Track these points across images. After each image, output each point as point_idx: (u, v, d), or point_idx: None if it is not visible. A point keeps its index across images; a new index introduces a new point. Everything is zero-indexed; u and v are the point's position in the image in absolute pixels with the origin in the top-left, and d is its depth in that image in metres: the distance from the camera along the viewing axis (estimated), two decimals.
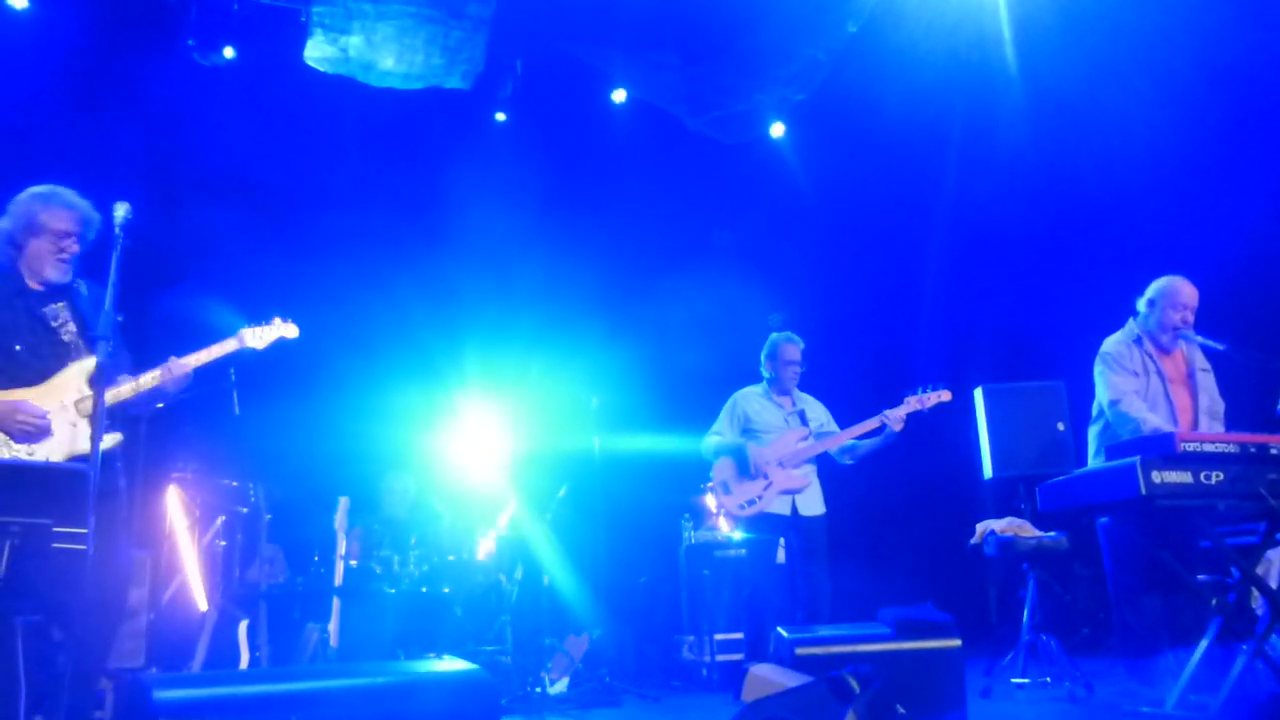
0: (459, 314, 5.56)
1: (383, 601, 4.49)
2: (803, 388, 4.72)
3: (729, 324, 5.47)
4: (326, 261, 5.13)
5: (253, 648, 4.32)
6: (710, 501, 5.19)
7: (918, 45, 5.21)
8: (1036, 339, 5.60)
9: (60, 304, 3.08)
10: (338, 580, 4.39)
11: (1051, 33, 5.03)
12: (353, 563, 4.58)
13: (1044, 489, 3.77)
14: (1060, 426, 4.59)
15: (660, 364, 5.68)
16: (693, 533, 5.40)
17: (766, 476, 4.43)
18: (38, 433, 2.88)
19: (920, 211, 6.08)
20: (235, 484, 4.63)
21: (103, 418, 2.68)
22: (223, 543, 4.64)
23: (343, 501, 4.42)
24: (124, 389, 3.05)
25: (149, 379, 3.08)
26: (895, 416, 4.28)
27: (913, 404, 4.37)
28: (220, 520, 4.61)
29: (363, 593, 4.45)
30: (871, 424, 4.37)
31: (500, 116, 6.08)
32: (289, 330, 3.37)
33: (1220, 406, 4.07)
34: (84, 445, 2.90)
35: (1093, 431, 4.13)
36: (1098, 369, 4.07)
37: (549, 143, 5.99)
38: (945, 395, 4.39)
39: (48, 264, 3.07)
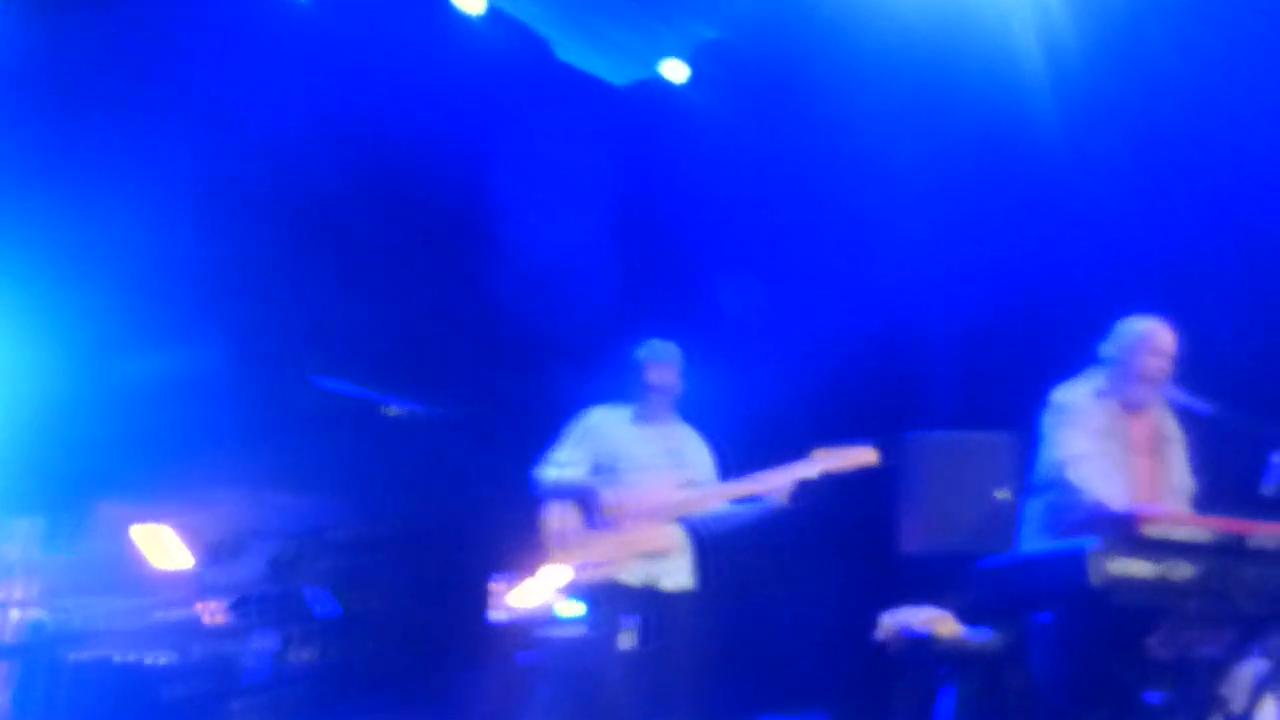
0: None
1: (70, 673, 4.30)
2: (692, 419, 4.75)
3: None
4: None
5: None
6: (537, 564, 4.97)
7: None
8: (1000, 376, 5.71)
9: None
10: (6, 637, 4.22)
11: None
12: (34, 613, 4.39)
13: (976, 573, 3.94)
14: (1003, 494, 4.66)
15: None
16: (507, 601, 5.23)
17: (622, 531, 4.41)
18: None
19: (862, 200, 6.10)
20: None
21: None
22: None
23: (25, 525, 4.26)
24: None
25: None
26: (792, 479, 4.31)
27: (823, 462, 4.39)
28: None
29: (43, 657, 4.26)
30: (755, 486, 4.39)
31: None
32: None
33: (1190, 486, 4.22)
34: None
35: (1033, 504, 4.24)
36: (1048, 423, 4.17)
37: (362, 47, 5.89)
38: (869, 456, 4.40)
39: None
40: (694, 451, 4.69)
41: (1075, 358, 4.37)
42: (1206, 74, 5.10)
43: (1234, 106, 5.16)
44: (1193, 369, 4.21)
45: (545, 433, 4.62)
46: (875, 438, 4.50)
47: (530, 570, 4.63)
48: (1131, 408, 4.17)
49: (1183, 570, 3.47)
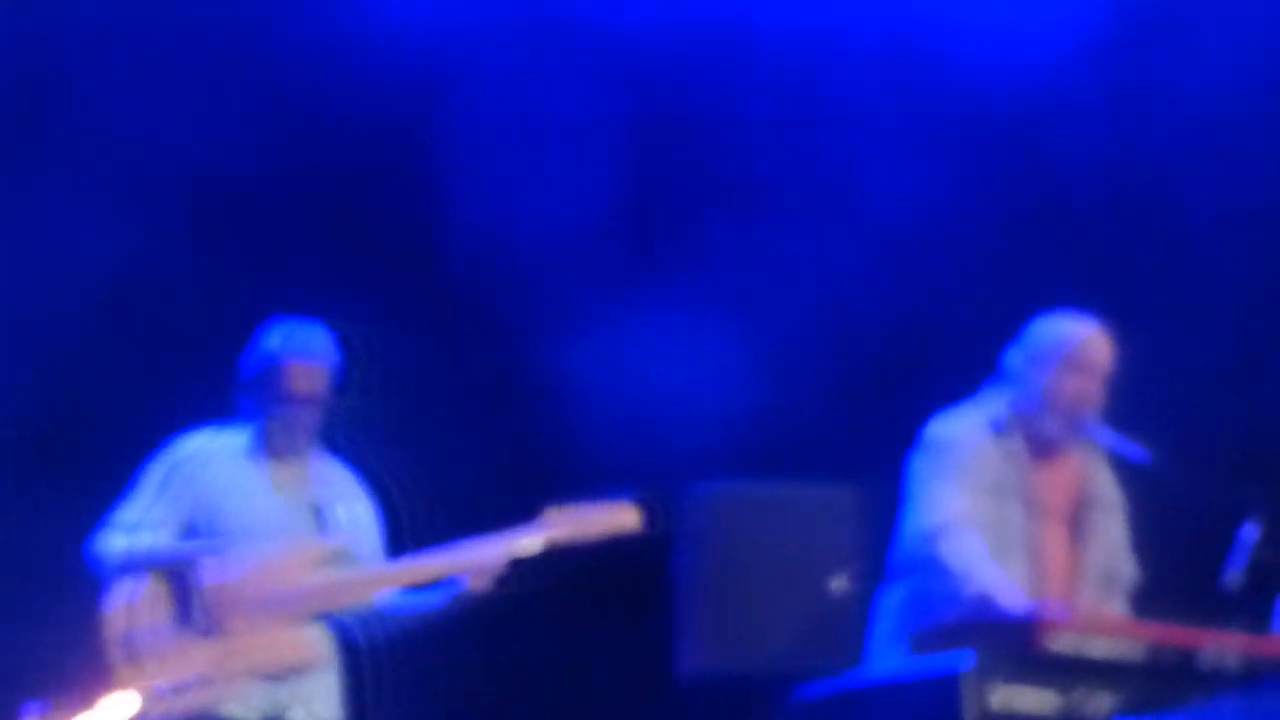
0: None
1: None
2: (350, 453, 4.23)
3: None
4: None
5: None
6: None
7: None
8: (842, 397, 5.32)
9: None
10: None
11: None
12: None
13: (795, 707, 3.78)
14: (840, 582, 4.14)
15: None
16: None
17: (230, 635, 3.89)
18: None
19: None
20: None
21: None
22: None
23: None
24: None
25: None
26: (504, 556, 3.84)
27: (556, 528, 3.93)
28: None
29: None
30: (446, 565, 3.90)
31: None
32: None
33: (1126, 572, 3.93)
34: None
35: (889, 597, 3.98)
36: (915, 473, 3.89)
37: None
38: (628, 518, 3.95)
39: None
40: (348, 507, 4.13)
41: (961, 374, 4.12)
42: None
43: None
44: (1139, 398, 3.92)
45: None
46: (640, 489, 4.08)
47: (83, 698, 4.05)
48: (1043, 452, 3.87)
49: (1101, 702, 3.34)
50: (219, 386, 4.26)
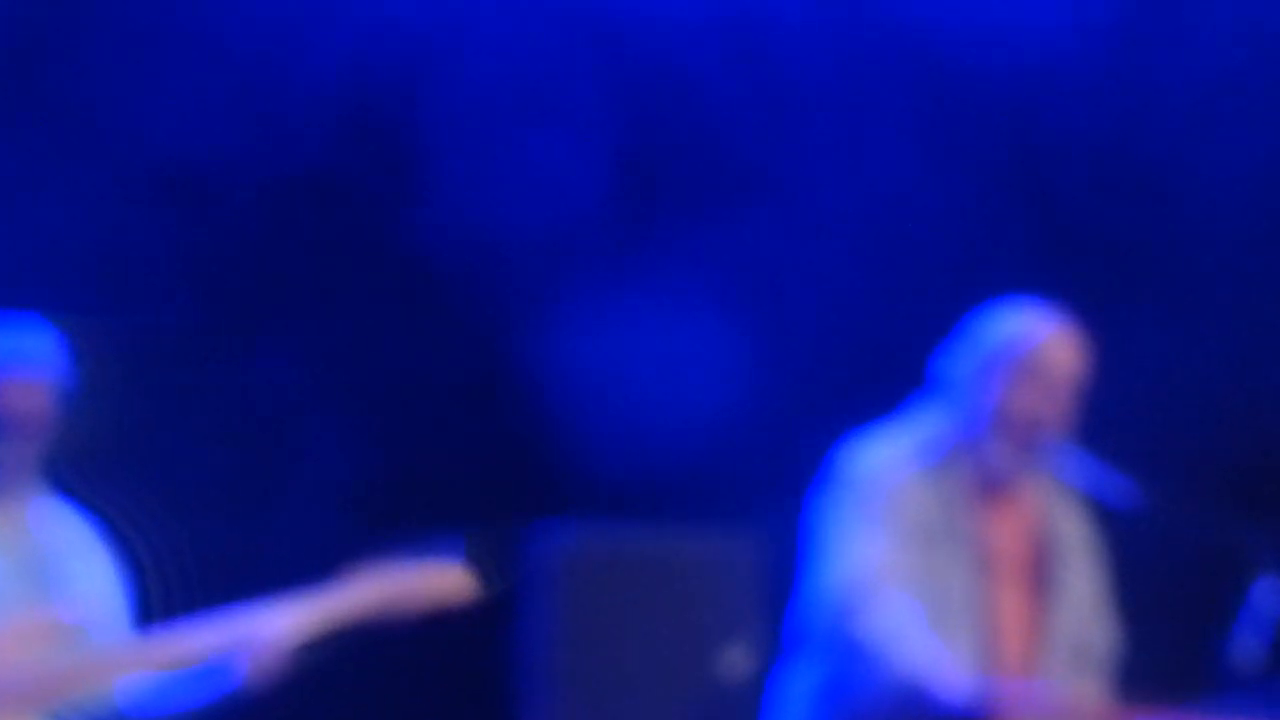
0: None
1: None
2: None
3: None
4: None
5: None
6: None
7: None
8: (733, 419, 4.80)
9: None
10: None
11: None
12: None
13: None
14: (733, 661, 3.77)
15: None
16: None
17: None
18: None
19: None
20: None
21: None
22: None
23: None
24: None
25: None
26: (290, 630, 3.27)
27: (363, 593, 3.35)
28: None
29: None
30: (209, 640, 3.30)
31: None
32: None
33: (1101, 642, 3.42)
34: None
35: (797, 679, 3.47)
36: (824, 516, 3.36)
37: None
38: (455, 583, 3.37)
39: None
40: (76, 564, 3.61)
41: (882, 387, 3.60)
42: None
43: None
44: (1120, 416, 3.56)
45: None
46: (476, 537, 3.41)
47: None
48: (993, 488, 3.34)
49: None
50: None
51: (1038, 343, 3.27)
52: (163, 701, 3.39)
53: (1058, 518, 3.35)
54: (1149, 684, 3.26)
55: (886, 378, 3.61)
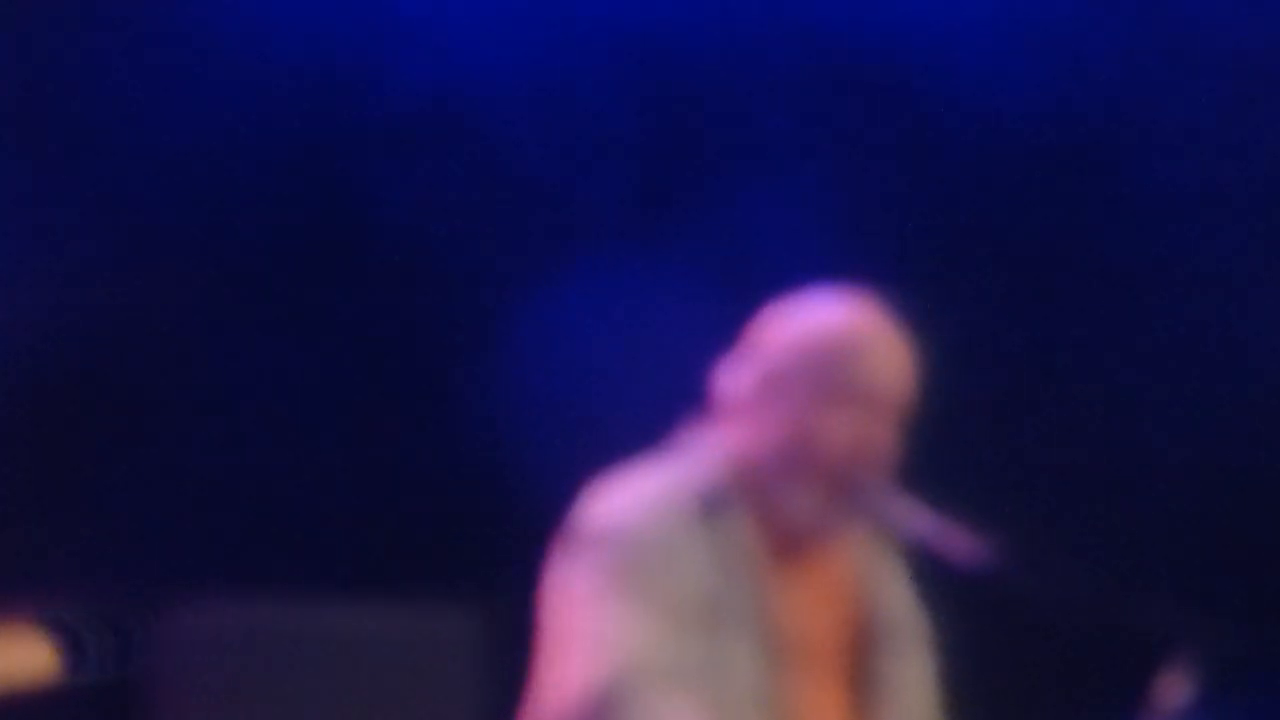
0: None
1: None
2: None
3: None
4: None
5: None
6: None
7: None
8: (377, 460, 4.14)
9: None
10: None
11: None
12: None
13: None
14: None
15: None
16: None
17: None
18: None
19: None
20: None
21: None
22: None
23: None
24: None
25: None
26: None
27: None
28: None
29: None
30: None
31: None
32: None
33: None
34: None
35: None
36: (563, 590, 2.80)
37: None
38: (35, 658, 3.47)
39: None
40: None
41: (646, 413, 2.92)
42: None
43: None
44: (971, 447, 3.27)
45: None
46: (81, 608, 3.40)
47: None
48: (789, 545, 2.72)
49: None
50: None
51: (850, 347, 2.57)
52: None
53: (879, 588, 2.69)
54: None
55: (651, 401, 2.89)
